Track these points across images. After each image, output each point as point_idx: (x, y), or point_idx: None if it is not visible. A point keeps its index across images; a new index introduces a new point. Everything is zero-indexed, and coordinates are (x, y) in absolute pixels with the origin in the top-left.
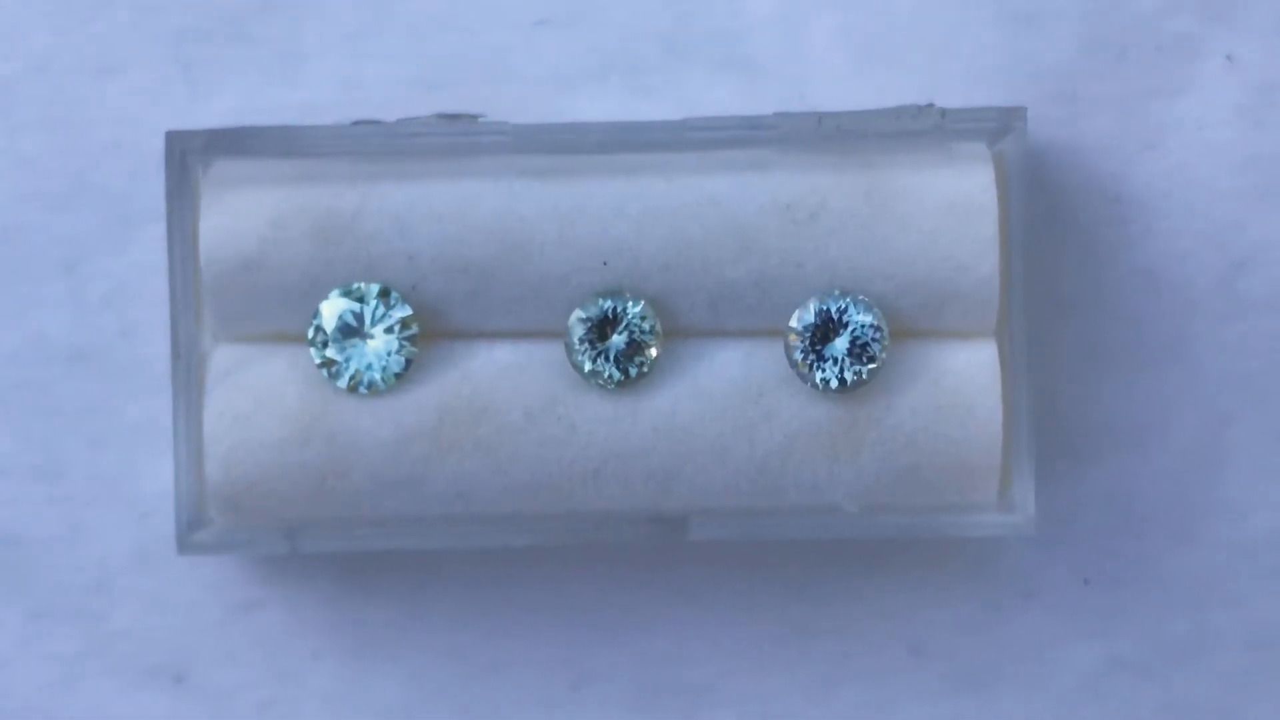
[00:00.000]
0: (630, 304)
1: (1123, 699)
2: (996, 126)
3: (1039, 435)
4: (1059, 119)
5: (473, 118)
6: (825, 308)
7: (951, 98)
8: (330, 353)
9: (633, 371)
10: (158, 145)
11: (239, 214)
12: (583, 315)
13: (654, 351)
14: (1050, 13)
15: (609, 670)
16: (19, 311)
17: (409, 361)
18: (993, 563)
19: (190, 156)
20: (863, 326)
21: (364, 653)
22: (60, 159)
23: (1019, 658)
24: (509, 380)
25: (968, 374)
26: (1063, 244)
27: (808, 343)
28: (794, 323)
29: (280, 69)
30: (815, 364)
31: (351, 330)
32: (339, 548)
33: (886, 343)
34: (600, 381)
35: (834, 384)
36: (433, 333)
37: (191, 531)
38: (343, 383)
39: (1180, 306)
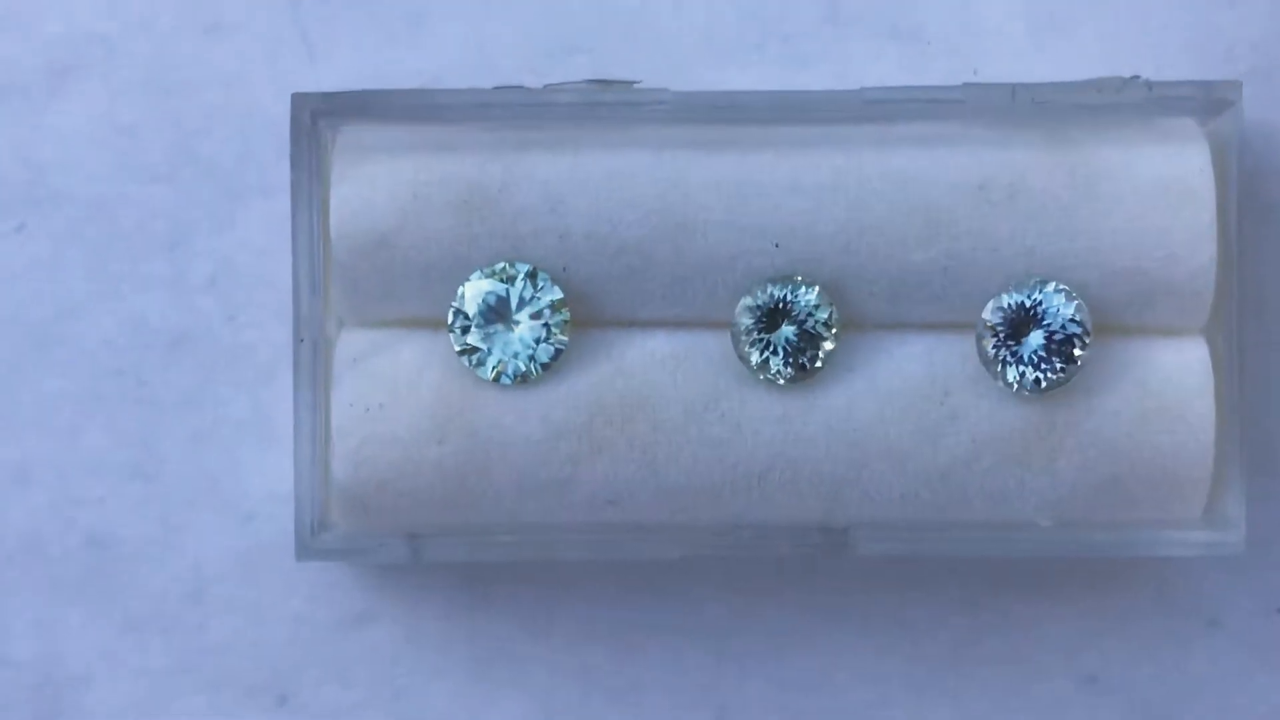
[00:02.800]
0: (803, 291)
1: None
2: (1209, 102)
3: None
4: (1259, 98)
5: (627, 84)
6: (1021, 298)
7: (1142, 73)
8: (472, 339)
9: (805, 366)
10: (269, 112)
11: (374, 184)
12: (751, 303)
13: (829, 344)
14: None
15: (753, 700)
16: (116, 293)
17: (558, 350)
18: (1175, 587)
19: (320, 120)
20: (1063, 320)
21: (486, 672)
22: (163, 127)
23: (1203, 691)
24: (667, 373)
25: (1178, 376)
26: (1264, 238)
27: (1001, 337)
28: (986, 314)
29: (403, 29)
30: (1009, 361)
31: (496, 315)
32: (468, 557)
33: (1089, 339)
34: (768, 376)
35: (1029, 384)
36: (585, 320)
37: (314, 535)
38: (485, 372)
39: None
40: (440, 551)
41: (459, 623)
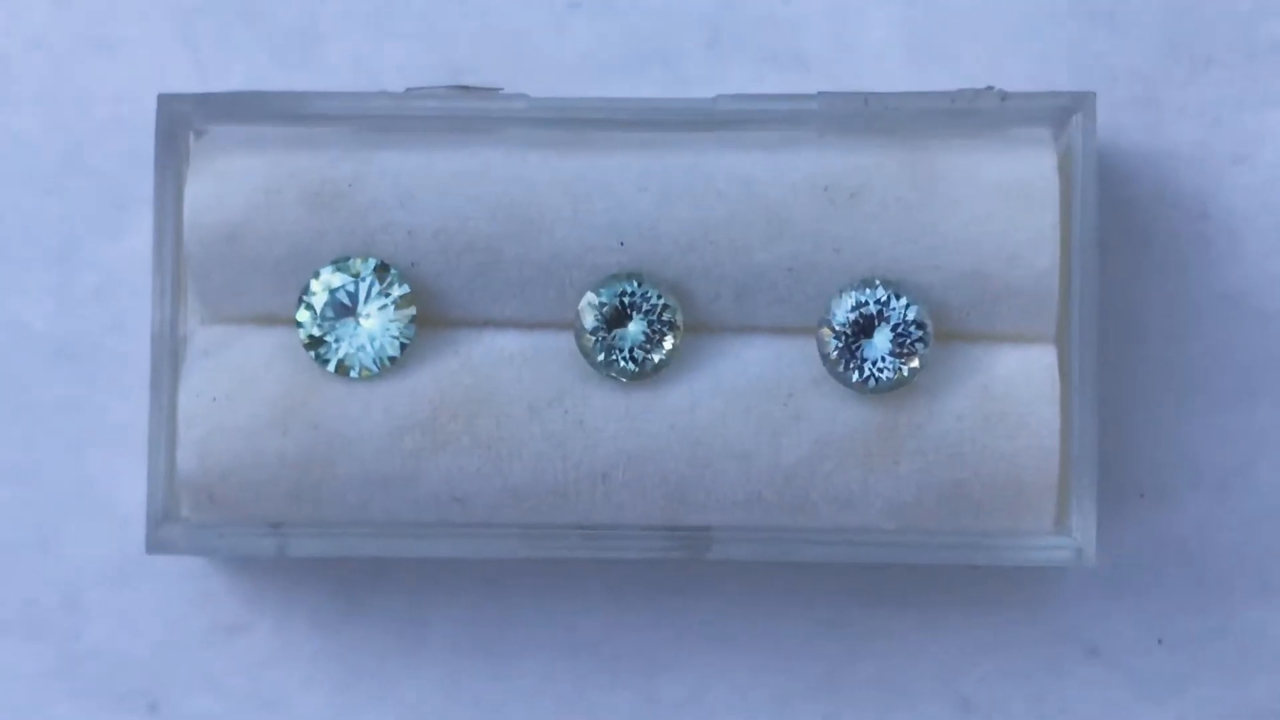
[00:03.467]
0: (649, 290)
1: None
2: (1059, 110)
3: (1107, 472)
4: (1138, 126)
5: (490, 90)
6: (864, 299)
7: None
8: (318, 331)
9: (649, 364)
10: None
11: (226, 179)
12: (596, 300)
13: (673, 343)
14: (1129, 10)
15: (622, 715)
16: (2, 300)
17: (404, 346)
18: (1053, 612)
19: (179, 121)
20: (906, 322)
21: (355, 683)
22: (55, 138)
23: (1081, 719)
24: (512, 370)
25: (1022, 380)
26: (1140, 261)
27: (844, 338)
28: (828, 315)
29: (293, 48)
30: (851, 362)
31: (343, 309)
32: (329, 551)
33: (931, 340)
34: (613, 375)
35: (872, 384)
36: (432, 316)
37: (160, 526)
38: (331, 365)
39: (1270, 336)
40: (299, 545)
41: (330, 633)
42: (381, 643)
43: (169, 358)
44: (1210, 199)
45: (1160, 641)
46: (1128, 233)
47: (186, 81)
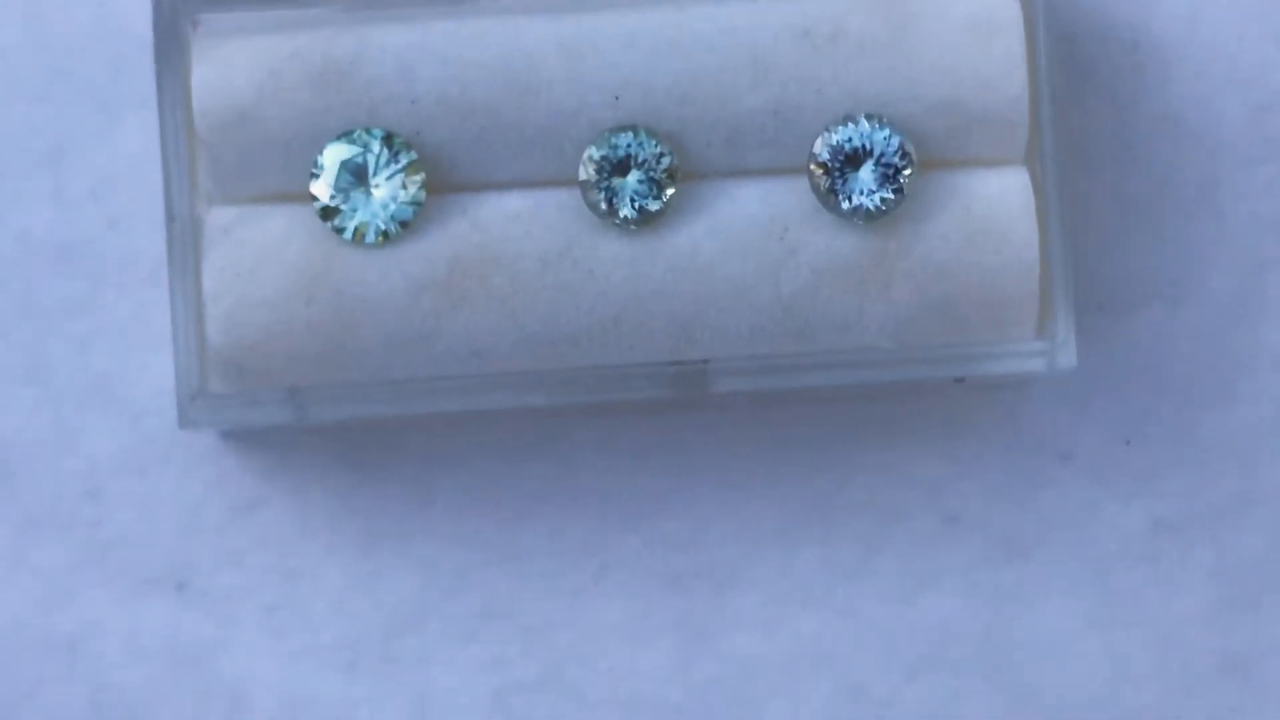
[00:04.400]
0: (645, 140)
1: (1168, 562)
2: None
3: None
4: None
5: None
6: (849, 134)
7: None
8: (334, 203)
9: (650, 211)
10: (139, 30)
11: (232, 65)
12: (595, 154)
13: (671, 190)
14: None
15: (632, 556)
16: (0, 210)
17: (416, 210)
18: (1027, 425)
19: (178, 9)
20: (890, 152)
21: (374, 547)
22: (38, 49)
23: (1059, 523)
24: (521, 226)
25: (1000, 200)
26: (1082, 93)
27: (831, 172)
28: (817, 150)
29: None
30: (840, 194)
31: (355, 179)
32: (347, 413)
33: (914, 167)
34: (616, 223)
35: (861, 214)
36: (440, 181)
37: (193, 404)
38: (348, 234)
39: (1206, 153)
40: (318, 410)
41: (345, 502)
42: (396, 505)
43: (187, 240)
44: (1141, 30)
45: (1128, 443)
46: (1070, 66)
47: None
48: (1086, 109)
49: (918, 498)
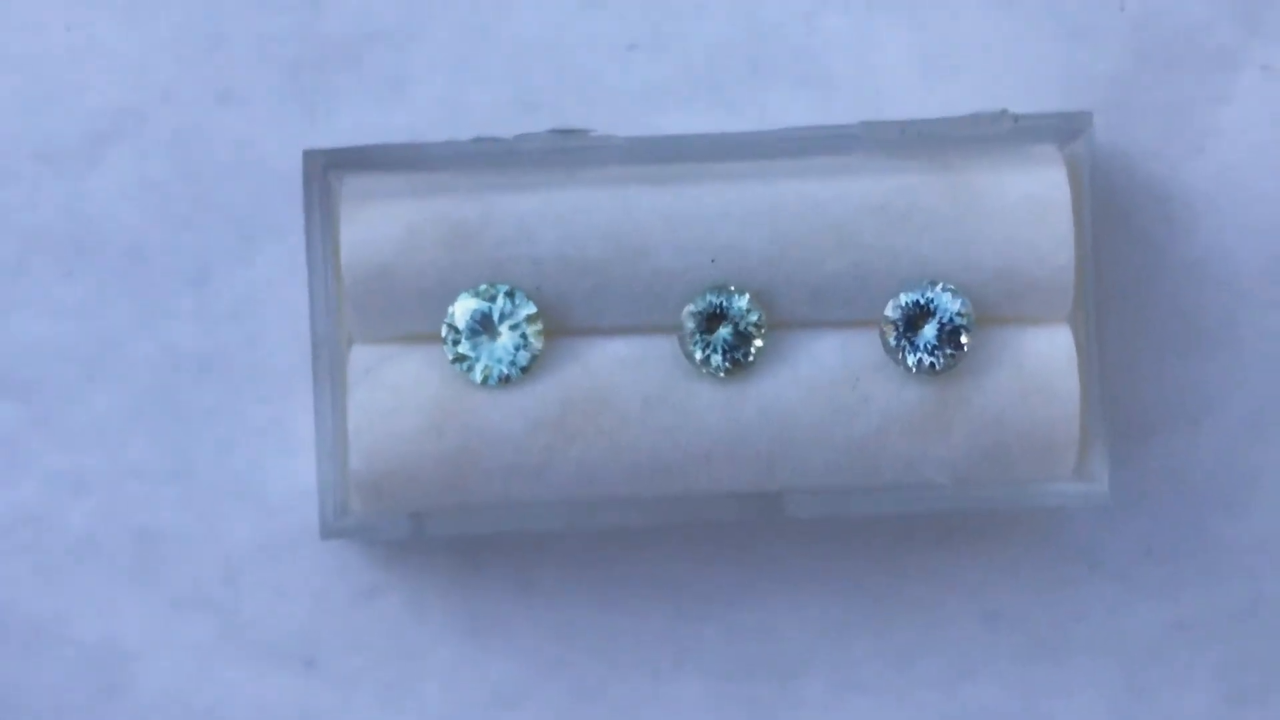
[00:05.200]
0: (736, 298)
1: (1185, 660)
2: (1065, 130)
3: (1107, 421)
4: (1113, 125)
5: (583, 132)
6: (916, 297)
7: (1014, 107)
8: (463, 349)
9: (740, 360)
10: (277, 165)
11: (375, 225)
12: (693, 309)
13: (759, 342)
14: (1104, 27)
15: (708, 645)
16: (152, 324)
17: (534, 356)
18: (1060, 536)
19: (329, 172)
20: (951, 314)
21: (480, 633)
22: (186, 181)
23: (1087, 624)
24: (627, 372)
25: (1048, 357)
26: (1118, 241)
27: (900, 330)
28: (888, 311)
29: (388, 93)
30: (907, 350)
31: (481, 328)
32: (463, 530)
33: (973, 329)
34: (710, 371)
35: (925, 368)
36: (556, 329)
37: (336, 518)
38: (475, 376)
39: (1228, 296)
40: (440, 526)
41: (456, 593)
42: (500, 596)
43: (332, 373)
44: (1173, 184)
45: (1149, 552)
46: (1107, 216)
47: (297, 127)
48: (1120, 255)
49: (962, 599)
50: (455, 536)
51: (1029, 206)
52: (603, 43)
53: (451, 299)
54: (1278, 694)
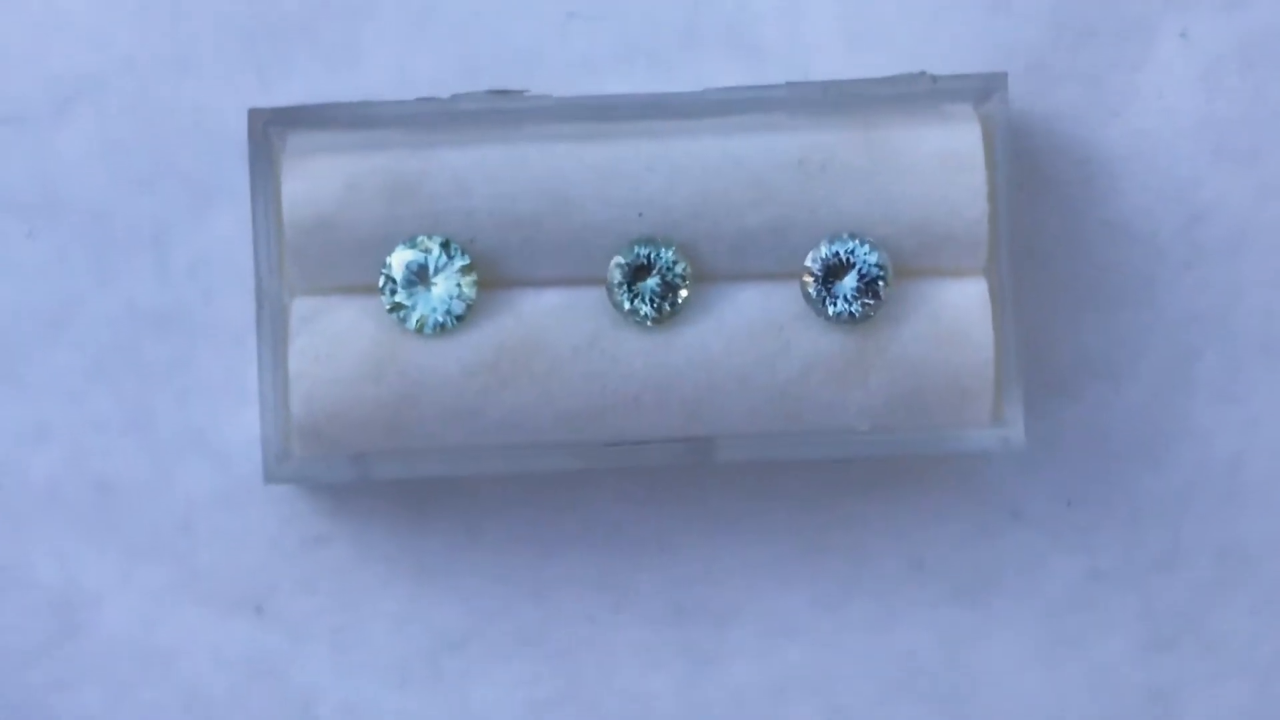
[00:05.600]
0: (663, 250)
1: (1104, 608)
2: (981, 90)
3: (1024, 372)
4: (1033, 91)
5: (519, 92)
6: (836, 249)
7: (935, 71)
8: (399, 298)
9: (666, 310)
10: (233, 130)
11: (316, 178)
12: (621, 261)
13: (684, 292)
14: None
15: (646, 591)
16: (112, 281)
17: (469, 305)
18: (984, 486)
19: (270, 129)
20: (869, 265)
21: (425, 579)
22: (146, 145)
23: (1010, 572)
24: (557, 320)
25: (962, 307)
26: (1039, 201)
27: (821, 281)
28: (808, 263)
29: (340, 61)
30: (828, 300)
31: (417, 278)
32: (404, 473)
33: (891, 280)
34: (637, 320)
35: (844, 317)
36: (490, 280)
37: (279, 463)
38: (410, 325)
39: (1145, 254)
40: (382, 470)
41: (401, 540)
42: (445, 544)
43: (275, 321)
44: (1091, 147)
45: (1069, 504)
46: (1027, 176)
47: (252, 93)
48: (1040, 214)
49: (888, 545)
50: (400, 485)
51: (944, 161)
52: (543, 11)
53: (388, 250)
54: (1193, 641)
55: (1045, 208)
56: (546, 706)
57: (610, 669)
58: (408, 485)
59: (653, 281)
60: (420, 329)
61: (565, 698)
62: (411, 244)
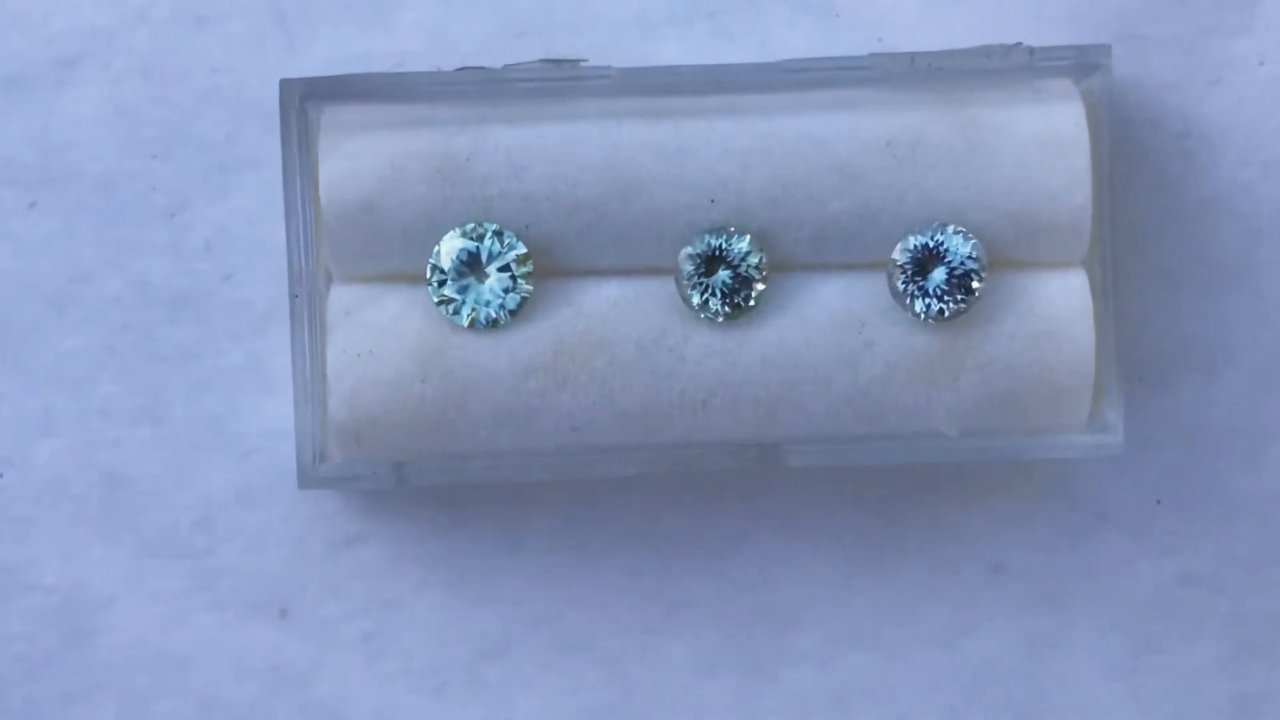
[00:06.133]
0: (736, 240)
1: (1192, 613)
2: (1081, 64)
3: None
4: (1127, 59)
5: (574, 62)
6: (925, 239)
7: (1023, 40)
8: (448, 290)
9: (740, 305)
10: (255, 94)
11: (356, 158)
12: (691, 251)
13: (760, 285)
14: None
15: (701, 597)
16: (122, 258)
17: (524, 298)
18: (1068, 485)
19: (306, 102)
20: (962, 258)
21: (464, 583)
22: (159, 108)
23: (1095, 576)
24: (621, 315)
25: (1061, 302)
26: (1134, 178)
27: (909, 274)
28: (895, 254)
29: (371, 19)
30: (915, 295)
31: (468, 268)
32: (449, 479)
33: (984, 273)
34: (708, 315)
35: (934, 314)
36: (546, 270)
37: (315, 466)
38: (461, 320)
39: (1244, 235)
40: (425, 477)
41: (438, 542)
42: (485, 546)
43: (309, 313)
44: (1190, 119)
45: (1159, 503)
46: (1123, 152)
47: (276, 52)
48: (1136, 193)
49: (966, 550)
50: (439, 485)
51: (1044, 144)
52: None
53: (436, 237)
54: None
55: (1139, 186)
56: (596, 715)
57: (661, 679)
58: (447, 485)
59: (725, 274)
60: (472, 324)
61: (611, 709)
62: (463, 231)
